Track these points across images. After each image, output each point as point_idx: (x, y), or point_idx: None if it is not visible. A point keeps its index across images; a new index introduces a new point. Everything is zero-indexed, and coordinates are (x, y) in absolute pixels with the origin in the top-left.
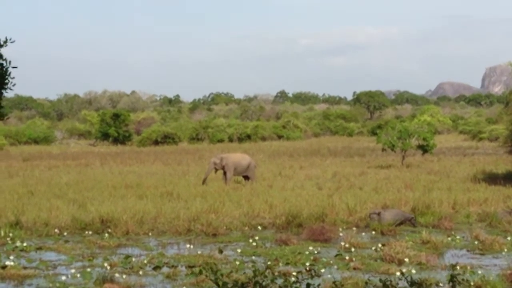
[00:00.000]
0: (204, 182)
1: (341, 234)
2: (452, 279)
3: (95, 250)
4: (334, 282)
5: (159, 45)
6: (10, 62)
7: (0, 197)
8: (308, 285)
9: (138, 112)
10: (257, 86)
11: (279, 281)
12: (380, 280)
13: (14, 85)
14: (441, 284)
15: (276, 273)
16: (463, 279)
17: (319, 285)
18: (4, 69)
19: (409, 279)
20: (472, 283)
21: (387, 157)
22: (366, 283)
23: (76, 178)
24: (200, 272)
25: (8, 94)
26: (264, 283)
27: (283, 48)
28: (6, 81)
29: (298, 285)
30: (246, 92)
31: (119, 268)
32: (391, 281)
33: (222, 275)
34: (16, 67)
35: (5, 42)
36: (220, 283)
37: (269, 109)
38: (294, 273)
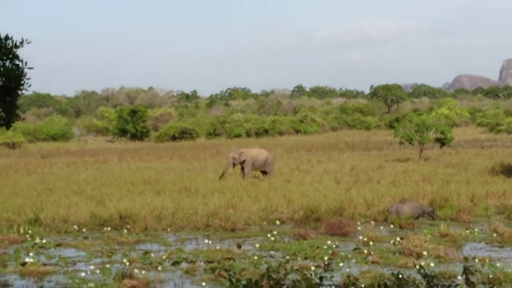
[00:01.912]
0: (222, 177)
1: (359, 228)
2: (466, 271)
3: (114, 246)
4: (348, 276)
5: (175, 41)
6: (26, 63)
7: (19, 195)
8: (321, 278)
9: (155, 108)
10: (274, 81)
11: (293, 276)
12: (393, 274)
13: (29, 86)
14: (459, 277)
15: (289, 268)
16: (476, 271)
17: (332, 277)
18: (20, 70)
19: (423, 272)
20: (490, 276)
21: (405, 150)
22: (380, 276)
23: (94, 175)
24: (214, 270)
25: (25, 92)
26: (277, 279)
27: (299, 42)
28: (22, 82)
29: (311, 279)
30: (263, 87)
31: (138, 264)
32: (402, 274)
33: (235, 272)
34: (32, 68)
35: (21, 43)
36: (234, 280)
37: (287, 103)
38: (313, 268)
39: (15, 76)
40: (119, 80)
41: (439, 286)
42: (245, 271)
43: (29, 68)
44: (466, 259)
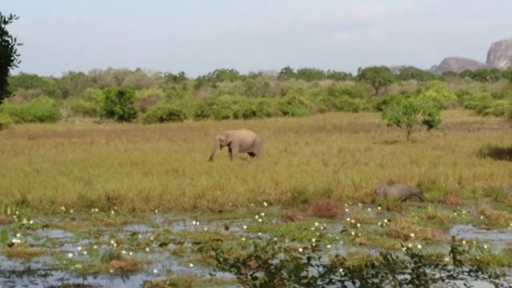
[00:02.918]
0: (211, 159)
1: (347, 210)
2: (453, 250)
3: (102, 227)
4: (336, 256)
5: (163, 23)
6: (15, 39)
7: (6, 176)
8: (309, 258)
9: (143, 89)
10: (262, 63)
11: (281, 256)
12: (381, 253)
13: (19, 62)
14: (446, 259)
15: (277, 248)
16: (464, 251)
17: (319, 257)
18: (10, 46)
19: (410, 252)
20: (477, 258)
21: (393, 132)
22: (368, 257)
23: (82, 156)
24: (201, 250)
25: (13, 72)
26: (264, 258)
27: (287, 24)
28: (12, 58)
29: (299, 259)
30: (251, 68)
31: (125, 245)
32: (391, 254)
33: (222, 252)
34: (21, 44)
35: (10, 18)
36: (221, 259)
37: (274, 85)
38: (300, 249)
39: (5, 52)
40: (107, 61)
41: (427, 265)
42: (232, 250)
43: (18, 44)
44: (453, 238)
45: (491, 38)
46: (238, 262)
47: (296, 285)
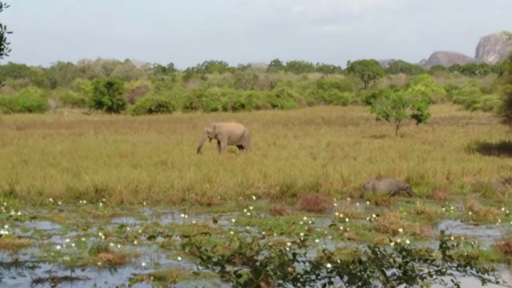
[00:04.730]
0: (199, 151)
1: (335, 204)
2: (442, 245)
3: (90, 219)
4: (323, 251)
5: (152, 14)
6: (5, 27)
7: None
8: (294, 254)
9: (132, 80)
10: (251, 55)
11: (265, 253)
12: (369, 247)
13: (9, 50)
14: (433, 254)
15: (262, 245)
16: (453, 245)
17: (305, 253)
18: (0, 35)
19: (398, 247)
20: (465, 254)
21: (381, 126)
22: (355, 251)
23: (70, 147)
24: (184, 247)
25: (2, 61)
26: (249, 255)
27: (275, 16)
28: (2, 46)
29: (284, 256)
30: (240, 60)
31: (113, 237)
32: (379, 248)
33: (206, 249)
34: (11, 33)
35: (0, 7)
36: (204, 257)
37: (263, 78)
38: (289, 243)
39: None
40: (96, 52)
41: (415, 260)
42: (217, 247)
43: (8, 32)
44: (442, 233)
45: (480, 33)
46: (222, 260)
47: (282, 282)
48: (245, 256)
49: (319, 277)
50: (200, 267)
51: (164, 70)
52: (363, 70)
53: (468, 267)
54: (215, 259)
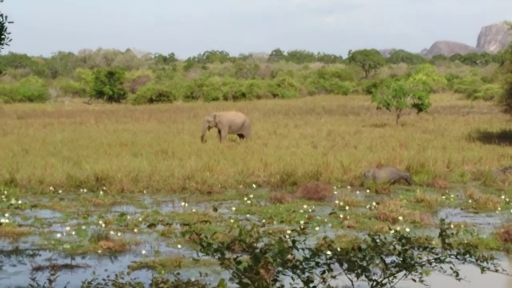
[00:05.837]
0: (202, 139)
1: (335, 193)
2: (442, 233)
3: (90, 207)
4: (324, 238)
5: (153, 4)
6: (6, 17)
7: None
8: (293, 241)
9: (133, 70)
10: (252, 45)
11: (265, 240)
12: (369, 235)
13: (10, 40)
14: (433, 242)
15: (262, 232)
16: (452, 233)
17: (305, 240)
18: (1, 24)
19: (398, 235)
20: (465, 242)
21: (382, 115)
22: (355, 239)
23: (71, 136)
24: (184, 235)
25: (3, 51)
26: (249, 242)
27: (276, 6)
28: (3, 36)
29: (283, 243)
30: (241, 50)
31: (114, 225)
32: (379, 235)
33: (206, 236)
34: (12, 22)
35: None
36: (204, 244)
37: (264, 67)
38: (289, 231)
39: None
40: (97, 42)
41: (414, 248)
42: (217, 234)
43: (9, 22)
44: (442, 220)
45: (481, 22)
46: (222, 246)
47: (281, 269)
48: (245, 243)
49: (318, 264)
50: (200, 254)
51: (165, 60)
52: (364, 60)
53: (468, 255)
54: (215, 246)
